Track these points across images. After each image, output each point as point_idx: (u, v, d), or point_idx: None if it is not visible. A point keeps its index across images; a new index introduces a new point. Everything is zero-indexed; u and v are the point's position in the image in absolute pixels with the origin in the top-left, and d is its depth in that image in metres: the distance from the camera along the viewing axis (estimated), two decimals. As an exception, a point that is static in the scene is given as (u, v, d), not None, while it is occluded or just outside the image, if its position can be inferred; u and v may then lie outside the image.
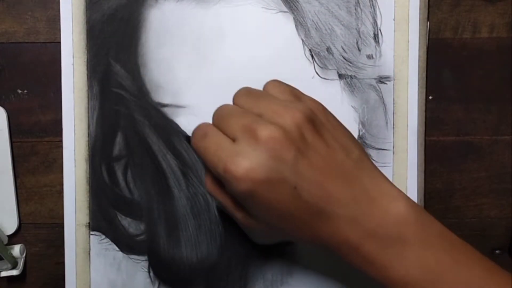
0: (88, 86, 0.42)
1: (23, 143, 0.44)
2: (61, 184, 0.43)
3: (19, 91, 0.43)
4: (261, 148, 0.28)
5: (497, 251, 0.44)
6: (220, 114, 0.33)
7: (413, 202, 0.31)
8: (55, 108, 0.43)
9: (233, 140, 0.30)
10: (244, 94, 0.34)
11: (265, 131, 0.29)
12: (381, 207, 0.30)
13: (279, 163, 0.28)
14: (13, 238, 0.44)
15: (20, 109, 0.44)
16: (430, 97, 0.43)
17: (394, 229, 0.29)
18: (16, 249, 0.43)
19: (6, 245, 0.43)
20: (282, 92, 0.33)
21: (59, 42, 0.42)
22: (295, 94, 0.34)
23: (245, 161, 0.28)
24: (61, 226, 0.43)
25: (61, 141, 0.43)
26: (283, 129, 0.29)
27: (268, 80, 0.42)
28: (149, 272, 0.43)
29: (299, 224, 0.30)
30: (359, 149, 0.32)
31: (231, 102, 0.42)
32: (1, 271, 0.42)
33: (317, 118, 0.32)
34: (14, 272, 0.42)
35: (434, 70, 0.43)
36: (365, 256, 0.29)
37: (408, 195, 0.41)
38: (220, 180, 0.31)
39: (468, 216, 0.44)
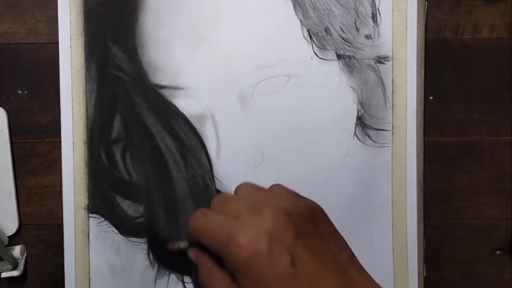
0: (85, 68, 0.42)
1: (23, 144, 0.44)
2: (61, 185, 0.43)
3: (19, 92, 0.43)
4: (265, 222, 0.30)
5: (498, 252, 0.44)
6: (220, 199, 0.34)
7: None
8: (55, 109, 0.43)
9: (236, 218, 0.31)
10: (247, 186, 0.35)
11: (270, 209, 0.30)
12: None
13: (280, 239, 0.30)
14: (13, 239, 0.44)
15: (20, 110, 0.43)
16: (431, 98, 0.43)
17: None
18: (17, 250, 0.43)
19: (7, 246, 0.43)
20: (284, 190, 0.35)
21: (59, 43, 0.42)
22: (297, 195, 0.35)
23: (250, 230, 0.29)
24: (61, 227, 0.43)
25: (61, 142, 0.42)
26: (286, 211, 0.31)
27: (265, 59, 0.42)
28: (148, 254, 0.43)
29: None
30: (349, 249, 0.33)
31: (229, 84, 0.42)
32: (2, 272, 0.42)
33: (316, 215, 0.33)
34: (15, 273, 0.42)
35: (434, 70, 0.43)
36: None
37: (407, 175, 0.42)
38: (218, 257, 0.32)
39: (468, 217, 0.44)
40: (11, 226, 0.43)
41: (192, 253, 0.36)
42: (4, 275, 0.42)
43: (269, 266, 0.29)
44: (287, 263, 0.29)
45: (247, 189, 0.35)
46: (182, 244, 0.37)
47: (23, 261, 0.43)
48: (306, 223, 0.31)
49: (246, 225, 0.30)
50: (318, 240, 0.31)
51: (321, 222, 0.33)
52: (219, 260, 0.33)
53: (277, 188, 0.35)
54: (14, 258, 0.43)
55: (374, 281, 0.32)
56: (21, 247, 0.43)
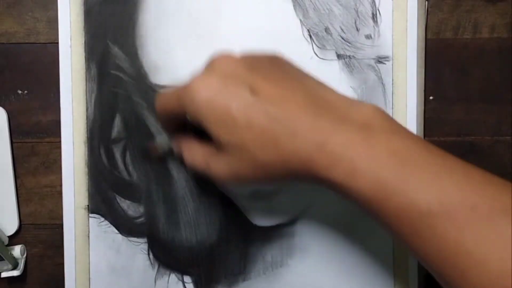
0: (85, 68, 0.42)
1: (23, 144, 0.44)
2: (61, 185, 0.43)
3: (19, 92, 0.43)
4: (215, 66, 0.31)
5: None
6: None
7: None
8: (55, 109, 0.43)
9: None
10: None
11: (219, 56, 0.31)
12: (343, 106, 0.30)
13: (233, 75, 0.30)
14: (13, 239, 0.44)
15: (20, 110, 0.43)
16: (431, 98, 0.43)
17: (359, 120, 0.28)
18: (17, 250, 0.43)
19: (7, 245, 0.43)
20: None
21: (59, 43, 0.42)
22: None
23: (202, 76, 0.31)
24: (61, 227, 0.43)
25: (61, 142, 0.42)
26: (238, 55, 0.31)
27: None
28: (148, 254, 0.43)
29: (260, 135, 0.29)
30: (317, 79, 0.33)
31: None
32: (2, 271, 0.42)
33: (275, 57, 0.33)
34: (15, 273, 0.42)
35: (434, 70, 0.43)
36: (331, 151, 0.28)
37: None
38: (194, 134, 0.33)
39: None
40: (11, 226, 0.43)
41: (175, 144, 0.37)
42: (4, 274, 0.42)
43: (229, 100, 0.29)
44: (247, 93, 0.29)
45: None
46: (163, 141, 0.38)
47: (23, 261, 0.43)
48: (263, 60, 0.32)
49: (200, 75, 0.31)
50: (278, 72, 0.31)
51: (282, 62, 0.33)
52: (197, 138, 0.33)
53: None
54: (14, 258, 0.43)
55: (348, 97, 0.31)
56: (21, 247, 0.43)
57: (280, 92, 0.29)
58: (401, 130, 0.29)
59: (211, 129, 0.30)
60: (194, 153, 0.34)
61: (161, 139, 0.38)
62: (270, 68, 0.31)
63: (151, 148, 0.39)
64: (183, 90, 0.31)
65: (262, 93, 0.29)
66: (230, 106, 0.29)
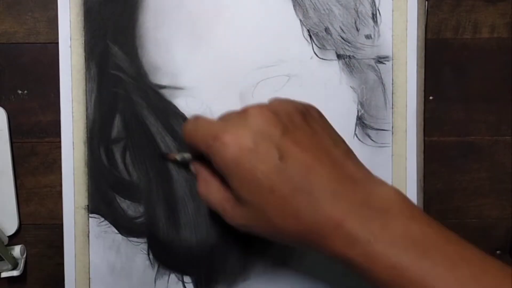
0: (85, 68, 0.42)
1: (23, 144, 0.44)
2: (61, 185, 0.43)
3: (19, 92, 0.43)
4: (250, 121, 0.30)
5: (498, 252, 0.44)
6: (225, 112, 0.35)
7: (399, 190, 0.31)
8: (55, 109, 0.43)
9: (225, 122, 0.32)
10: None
11: (255, 108, 0.31)
12: (365, 186, 0.30)
13: (265, 135, 0.30)
14: (13, 239, 0.44)
15: (20, 110, 0.43)
16: (431, 98, 0.43)
17: (378, 204, 0.29)
18: (17, 250, 0.43)
19: (7, 245, 0.43)
20: (283, 98, 0.35)
21: (59, 43, 0.42)
22: (294, 100, 0.35)
23: (234, 130, 0.30)
24: (61, 227, 0.43)
25: (61, 142, 0.42)
26: (273, 109, 0.31)
27: (265, 59, 0.42)
28: (148, 254, 0.43)
29: (281, 202, 0.30)
30: (347, 145, 0.33)
31: (230, 84, 0.42)
32: (2, 271, 0.42)
33: (309, 112, 0.33)
34: (15, 273, 0.42)
35: (434, 70, 0.43)
36: (349, 232, 0.28)
37: (407, 176, 0.42)
38: (208, 162, 0.32)
39: (468, 217, 0.44)
40: (11, 226, 0.43)
41: (193, 166, 0.37)
42: (4, 275, 0.42)
43: (257, 162, 0.29)
44: (275, 158, 0.29)
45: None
46: (180, 156, 0.38)
47: (23, 261, 0.43)
48: (296, 120, 0.31)
49: (231, 125, 0.30)
50: (309, 135, 0.31)
51: (314, 120, 0.33)
52: (217, 173, 0.33)
53: (277, 98, 0.34)
54: (14, 258, 0.43)
55: (372, 175, 0.32)
56: (21, 247, 0.43)
57: (308, 161, 0.30)
58: (420, 215, 0.30)
59: (235, 185, 0.30)
60: (211, 191, 0.34)
61: (184, 156, 0.38)
62: (302, 128, 0.31)
63: (171, 155, 0.39)
64: (213, 139, 0.30)
65: (290, 160, 0.29)
66: (257, 168, 0.29)
